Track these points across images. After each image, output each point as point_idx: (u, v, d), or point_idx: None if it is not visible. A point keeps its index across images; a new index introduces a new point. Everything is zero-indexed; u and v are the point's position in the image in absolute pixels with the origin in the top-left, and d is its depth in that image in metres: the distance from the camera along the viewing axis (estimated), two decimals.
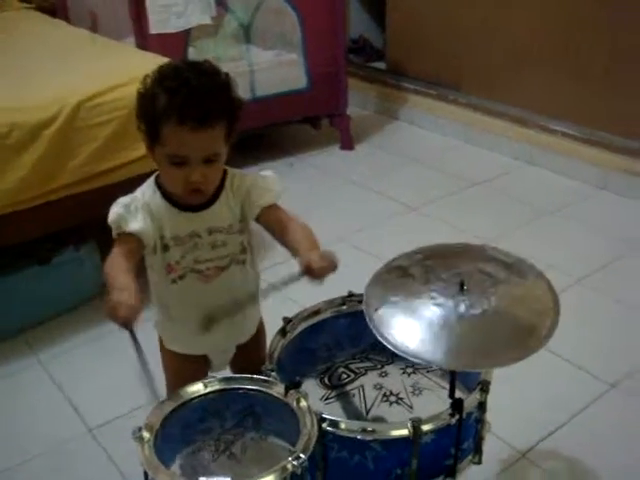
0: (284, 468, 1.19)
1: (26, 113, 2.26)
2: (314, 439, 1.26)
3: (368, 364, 1.62)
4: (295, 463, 1.20)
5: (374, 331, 1.27)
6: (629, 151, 3.28)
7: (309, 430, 1.27)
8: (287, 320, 1.62)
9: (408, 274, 1.39)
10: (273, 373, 1.46)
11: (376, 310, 1.29)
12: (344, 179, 3.60)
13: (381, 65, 4.50)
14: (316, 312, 1.67)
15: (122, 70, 2.54)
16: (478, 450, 1.53)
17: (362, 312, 1.63)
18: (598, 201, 3.34)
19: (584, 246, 2.97)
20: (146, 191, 1.51)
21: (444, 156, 3.84)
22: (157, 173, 1.52)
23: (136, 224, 1.45)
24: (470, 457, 1.52)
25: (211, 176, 1.45)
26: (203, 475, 1.21)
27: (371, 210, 3.28)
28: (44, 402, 2.24)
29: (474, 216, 3.21)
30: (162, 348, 1.69)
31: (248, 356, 1.69)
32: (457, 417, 1.40)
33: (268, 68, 3.53)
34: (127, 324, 1.32)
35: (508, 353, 1.22)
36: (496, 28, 3.72)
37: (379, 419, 1.48)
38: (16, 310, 2.49)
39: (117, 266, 1.41)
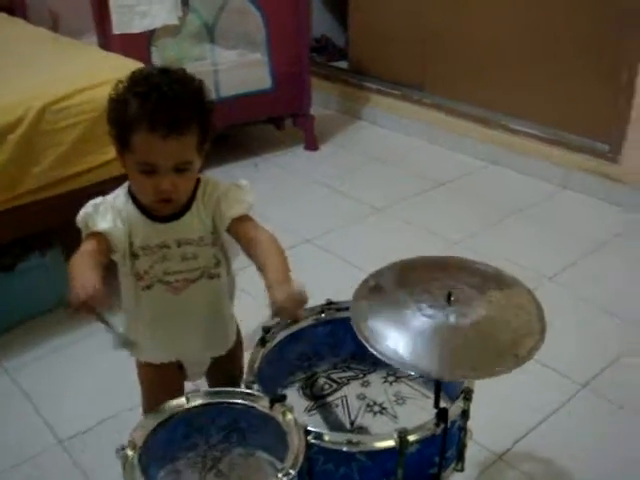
0: None
1: None
2: (302, 454, 1.25)
3: (350, 373, 1.61)
4: (285, 479, 1.19)
5: (365, 343, 1.26)
6: (592, 151, 3.32)
7: (297, 445, 1.26)
8: (266, 329, 1.60)
9: (392, 286, 1.38)
10: (255, 385, 1.44)
11: (365, 321, 1.28)
12: (309, 179, 3.58)
13: (343, 64, 4.49)
14: (295, 320, 1.66)
15: (88, 72, 2.50)
16: (461, 458, 1.54)
17: (342, 320, 1.65)
18: (561, 200, 3.39)
19: (549, 246, 3.01)
20: (118, 196, 1.48)
21: (408, 156, 3.85)
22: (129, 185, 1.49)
23: (104, 224, 1.42)
24: (453, 465, 1.53)
25: (182, 186, 1.41)
26: None
27: (337, 211, 3.27)
28: (12, 412, 2.18)
29: (440, 217, 3.23)
30: (136, 360, 1.66)
31: (223, 366, 1.68)
32: (442, 426, 1.41)
33: (232, 68, 3.49)
34: (90, 308, 1.30)
35: (500, 363, 1.22)
36: (460, 28, 3.74)
37: (364, 430, 1.47)
38: None
39: (81, 261, 1.38)
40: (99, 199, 1.46)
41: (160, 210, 1.45)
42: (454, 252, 2.92)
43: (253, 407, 1.35)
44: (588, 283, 2.74)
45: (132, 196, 1.47)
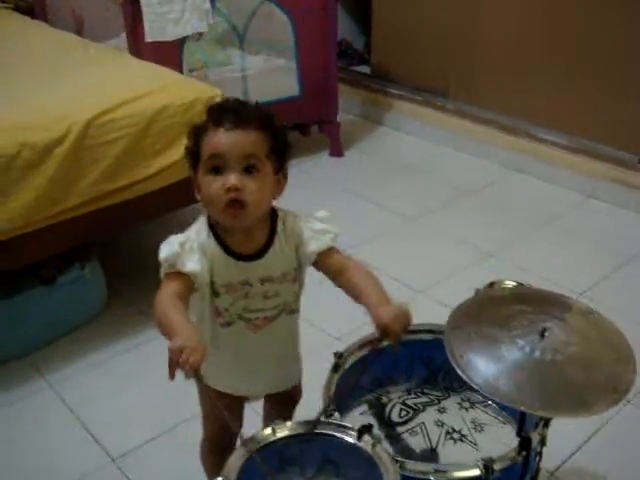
0: None
1: (34, 132, 2.16)
2: None
3: (425, 399, 1.61)
4: None
5: (463, 376, 1.26)
6: (619, 161, 3.33)
7: (392, 476, 1.26)
8: (339, 355, 1.60)
9: (483, 318, 1.37)
10: (336, 414, 1.44)
11: (461, 356, 1.28)
12: (337, 187, 3.57)
13: (364, 69, 4.48)
14: (364, 345, 1.65)
15: (128, 84, 2.48)
16: None
17: (413, 344, 1.64)
18: (588, 210, 3.38)
19: (579, 259, 3.00)
20: (200, 233, 1.45)
21: (433, 163, 3.85)
22: (207, 215, 1.46)
23: (192, 264, 1.39)
24: None
25: (251, 188, 1.37)
26: None
27: (369, 220, 3.27)
28: (60, 429, 2.17)
29: (470, 227, 3.23)
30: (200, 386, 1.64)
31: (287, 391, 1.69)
32: (524, 454, 1.42)
33: (260, 74, 3.49)
34: (196, 371, 1.27)
35: (599, 403, 1.22)
36: (484, 34, 3.74)
37: (436, 456, 1.47)
38: (21, 332, 2.40)
39: (173, 308, 1.36)
40: (183, 236, 1.42)
41: (231, 222, 1.41)
42: (489, 264, 2.96)
43: (342, 438, 1.34)
44: (620, 297, 2.73)
45: (214, 233, 1.45)
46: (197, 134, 1.42)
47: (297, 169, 3.71)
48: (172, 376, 1.25)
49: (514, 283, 1.82)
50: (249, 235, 1.45)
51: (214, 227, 1.45)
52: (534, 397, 1.22)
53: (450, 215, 3.34)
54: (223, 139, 1.36)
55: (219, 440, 1.69)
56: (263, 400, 1.86)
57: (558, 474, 2.00)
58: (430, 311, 2.69)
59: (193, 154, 1.43)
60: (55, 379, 2.34)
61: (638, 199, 3.27)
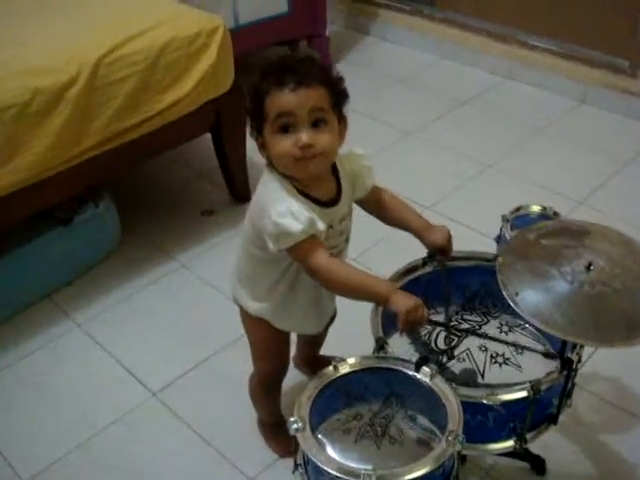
0: (447, 447, 1.27)
1: (45, 76, 2.11)
2: (462, 413, 1.33)
3: (466, 326, 1.68)
4: (456, 441, 1.27)
5: (523, 315, 1.33)
6: (611, 67, 3.35)
7: (455, 406, 1.34)
8: None
9: (535, 251, 1.44)
10: (388, 347, 1.51)
11: (517, 294, 1.35)
12: None
13: None
14: (403, 274, 1.71)
15: (135, 17, 2.42)
16: (570, 396, 1.65)
17: (447, 271, 1.72)
18: (582, 116, 3.42)
19: (577, 167, 3.07)
20: (294, 197, 1.45)
21: (424, 74, 3.84)
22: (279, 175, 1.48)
23: (321, 225, 1.44)
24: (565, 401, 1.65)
25: (321, 141, 1.41)
26: (376, 464, 1.27)
27: (367, 135, 3.24)
28: (96, 368, 2.22)
29: (468, 138, 3.27)
30: (253, 325, 1.71)
31: None
32: (565, 374, 1.52)
33: None
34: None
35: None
36: None
37: (492, 384, 1.55)
38: (43, 274, 2.43)
39: (355, 270, 1.49)
40: (294, 205, 1.42)
41: (305, 173, 1.45)
42: (490, 176, 3.02)
43: (401, 371, 1.42)
44: (621, 203, 2.81)
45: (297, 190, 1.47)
46: (258, 95, 1.42)
47: None
48: (404, 331, 1.46)
49: (539, 207, 1.90)
50: (324, 183, 1.52)
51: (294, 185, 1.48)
52: (588, 330, 1.30)
53: (446, 127, 3.37)
54: (290, 97, 1.38)
55: (276, 377, 1.78)
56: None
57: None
58: None
59: (255, 115, 1.44)
60: (82, 318, 2.38)
61: (630, 104, 3.32)
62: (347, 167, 1.58)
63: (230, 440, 1.98)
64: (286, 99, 1.39)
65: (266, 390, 1.84)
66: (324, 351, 2.03)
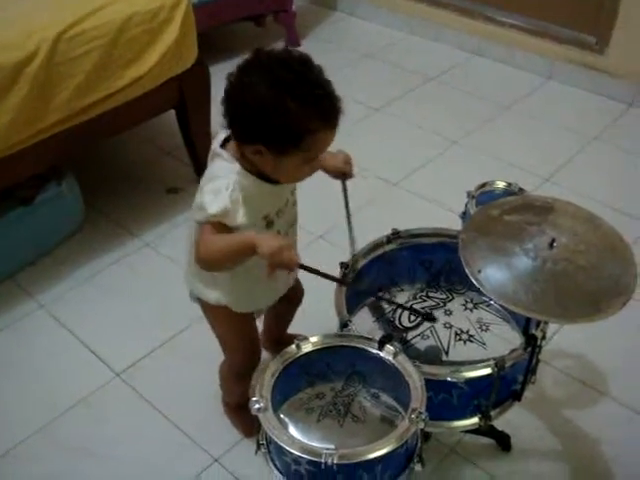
0: (410, 425, 1.27)
1: (3, 52, 2.05)
2: (425, 393, 1.33)
3: (431, 303, 1.68)
4: (419, 419, 1.27)
5: (485, 292, 1.33)
6: (578, 43, 3.34)
7: (418, 383, 1.34)
8: (345, 265, 1.65)
9: (497, 227, 1.43)
10: (352, 325, 1.50)
11: (479, 272, 1.34)
12: None
13: None
14: (368, 252, 1.71)
15: None
16: (534, 372, 1.66)
17: (411, 247, 1.71)
18: (548, 92, 3.43)
19: (542, 143, 3.07)
20: (241, 180, 1.41)
21: (391, 49, 3.81)
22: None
23: (241, 219, 1.40)
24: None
25: None
26: (338, 443, 1.26)
27: None
28: (60, 348, 2.19)
29: (436, 114, 3.26)
30: (215, 314, 1.70)
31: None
32: (530, 351, 1.52)
33: None
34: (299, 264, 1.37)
35: (611, 306, 1.31)
36: None
37: (456, 361, 1.55)
38: (5, 254, 2.39)
39: (225, 236, 1.41)
40: (226, 185, 1.39)
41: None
42: (455, 152, 3.02)
43: (364, 349, 1.42)
44: (587, 180, 2.82)
45: (250, 172, 1.43)
46: (296, 125, 1.32)
47: None
48: (272, 273, 1.35)
49: (504, 183, 1.89)
50: None
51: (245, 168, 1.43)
52: (552, 307, 1.30)
53: (413, 103, 3.35)
54: (330, 140, 1.40)
55: (248, 366, 1.77)
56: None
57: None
58: (409, 204, 2.77)
59: (280, 136, 1.34)
60: (46, 299, 2.35)
61: (596, 80, 3.33)
62: None
63: (195, 420, 1.97)
64: (328, 142, 1.40)
65: (237, 378, 1.82)
66: (291, 331, 2.02)
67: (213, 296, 1.62)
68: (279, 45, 3.79)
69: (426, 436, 1.79)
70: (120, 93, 2.31)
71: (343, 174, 1.67)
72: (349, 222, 1.70)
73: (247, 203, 1.40)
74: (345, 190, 1.70)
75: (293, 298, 1.87)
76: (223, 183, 1.39)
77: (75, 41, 2.17)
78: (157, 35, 2.34)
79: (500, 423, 1.80)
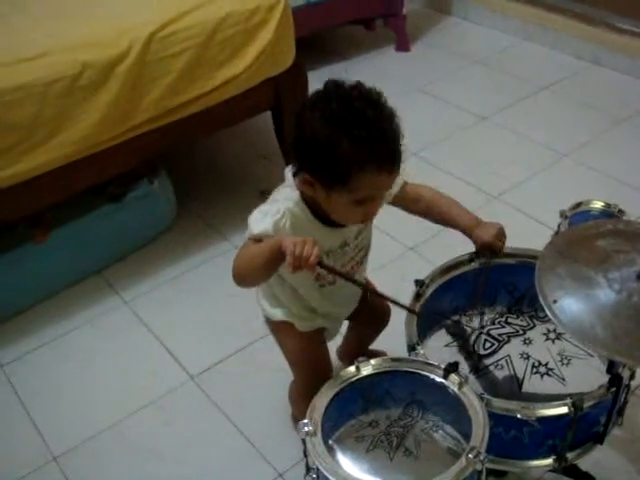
0: (467, 465, 1.16)
1: (95, 50, 2.08)
2: (488, 431, 1.22)
3: (509, 330, 1.56)
4: (477, 459, 1.17)
5: (557, 324, 1.20)
6: None
7: (481, 420, 1.23)
8: (420, 283, 1.55)
9: (580, 254, 1.30)
10: (420, 349, 1.41)
11: (555, 302, 1.22)
12: (404, 84, 3.42)
13: None
14: (446, 271, 1.60)
15: None
16: (621, 413, 1.51)
17: (494, 268, 1.59)
18: None
19: None
20: (294, 209, 1.40)
21: (504, 56, 3.65)
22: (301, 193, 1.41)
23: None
24: (614, 420, 1.51)
25: (379, 208, 1.42)
26: (385, 477, 1.17)
27: (439, 120, 3.14)
28: (139, 347, 2.20)
29: (546, 125, 3.09)
30: (281, 333, 1.67)
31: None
32: (613, 390, 1.38)
33: None
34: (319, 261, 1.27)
35: None
36: None
37: (533, 395, 1.43)
38: (93, 250, 2.42)
39: (255, 246, 1.36)
40: (277, 212, 1.36)
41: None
42: (565, 166, 2.84)
43: (428, 376, 1.32)
44: None
45: (309, 208, 1.41)
46: (343, 159, 1.27)
47: (362, 65, 3.58)
48: (296, 268, 1.24)
49: (602, 203, 1.74)
50: None
51: (305, 199, 1.41)
52: (632, 346, 1.16)
53: (524, 113, 3.20)
54: (381, 185, 1.34)
55: (316, 386, 1.70)
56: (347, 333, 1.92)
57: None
58: (508, 219, 2.62)
59: (325, 171, 1.31)
60: (130, 296, 2.37)
61: None
62: None
63: (263, 432, 1.93)
64: (380, 186, 1.34)
65: (305, 398, 1.76)
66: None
67: (273, 312, 1.61)
68: (388, 50, 3.72)
69: (501, 473, 1.67)
70: (213, 93, 2.29)
71: (490, 249, 1.53)
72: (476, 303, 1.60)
73: (295, 232, 1.36)
74: (486, 268, 1.55)
75: (372, 322, 1.82)
76: (274, 208, 1.38)
77: (167, 41, 2.17)
78: (252, 36, 2.31)
79: (586, 463, 1.65)
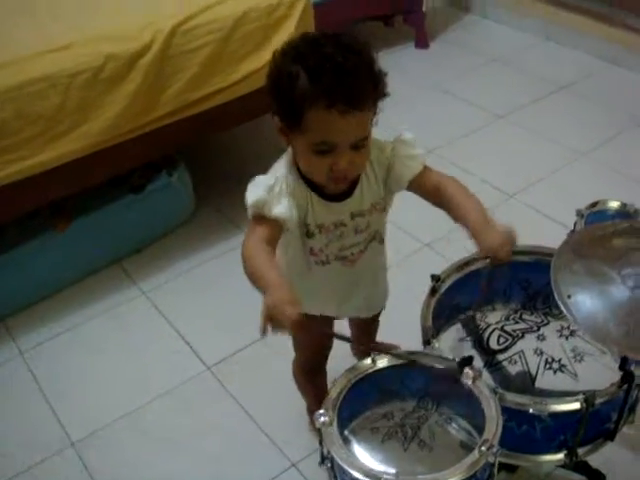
0: (480, 457, 1.18)
1: (118, 42, 2.11)
2: (501, 424, 1.24)
3: (523, 326, 1.57)
4: (490, 452, 1.18)
5: (571, 319, 1.22)
6: None
7: (495, 415, 1.25)
8: (436, 278, 1.57)
9: (594, 252, 1.31)
10: (435, 342, 1.42)
11: (569, 297, 1.23)
12: (423, 81, 3.43)
13: None
14: (462, 266, 1.61)
15: None
16: (632, 410, 1.52)
17: (509, 265, 1.60)
18: None
19: None
20: (288, 175, 1.37)
21: (524, 55, 3.65)
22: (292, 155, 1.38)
23: (280, 208, 1.33)
24: (625, 417, 1.52)
25: (358, 162, 1.32)
26: (400, 468, 1.19)
27: (457, 118, 3.14)
28: (156, 337, 2.23)
29: (564, 125, 3.09)
30: None
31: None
32: (625, 387, 1.39)
33: None
34: (295, 327, 1.22)
35: None
36: None
37: (546, 391, 1.44)
38: (113, 240, 2.46)
39: (263, 257, 1.31)
40: (271, 178, 1.35)
41: (333, 189, 1.37)
42: (579, 165, 2.84)
43: (442, 370, 1.34)
44: None
45: (301, 174, 1.37)
46: (291, 100, 1.23)
47: (381, 61, 3.49)
48: (264, 331, 1.23)
49: (618, 203, 1.75)
50: None
51: (301, 170, 1.38)
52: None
53: (542, 112, 3.20)
54: (335, 126, 1.23)
55: (312, 363, 1.74)
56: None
57: None
58: (523, 217, 2.62)
59: (285, 112, 1.27)
60: (148, 286, 2.40)
61: None
62: (382, 157, 1.42)
63: (278, 422, 1.95)
64: (333, 128, 1.24)
65: (306, 374, 1.79)
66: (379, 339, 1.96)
67: None
68: (407, 47, 3.73)
69: (512, 467, 1.69)
70: (234, 87, 2.32)
71: (492, 254, 1.37)
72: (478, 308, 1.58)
73: (292, 197, 1.34)
74: (491, 273, 1.45)
75: (369, 326, 1.82)
76: (268, 176, 1.36)
77: (190, 34, 2.20)
78: (273, 31, 2.33)
79: (596, 460, 1.67)
